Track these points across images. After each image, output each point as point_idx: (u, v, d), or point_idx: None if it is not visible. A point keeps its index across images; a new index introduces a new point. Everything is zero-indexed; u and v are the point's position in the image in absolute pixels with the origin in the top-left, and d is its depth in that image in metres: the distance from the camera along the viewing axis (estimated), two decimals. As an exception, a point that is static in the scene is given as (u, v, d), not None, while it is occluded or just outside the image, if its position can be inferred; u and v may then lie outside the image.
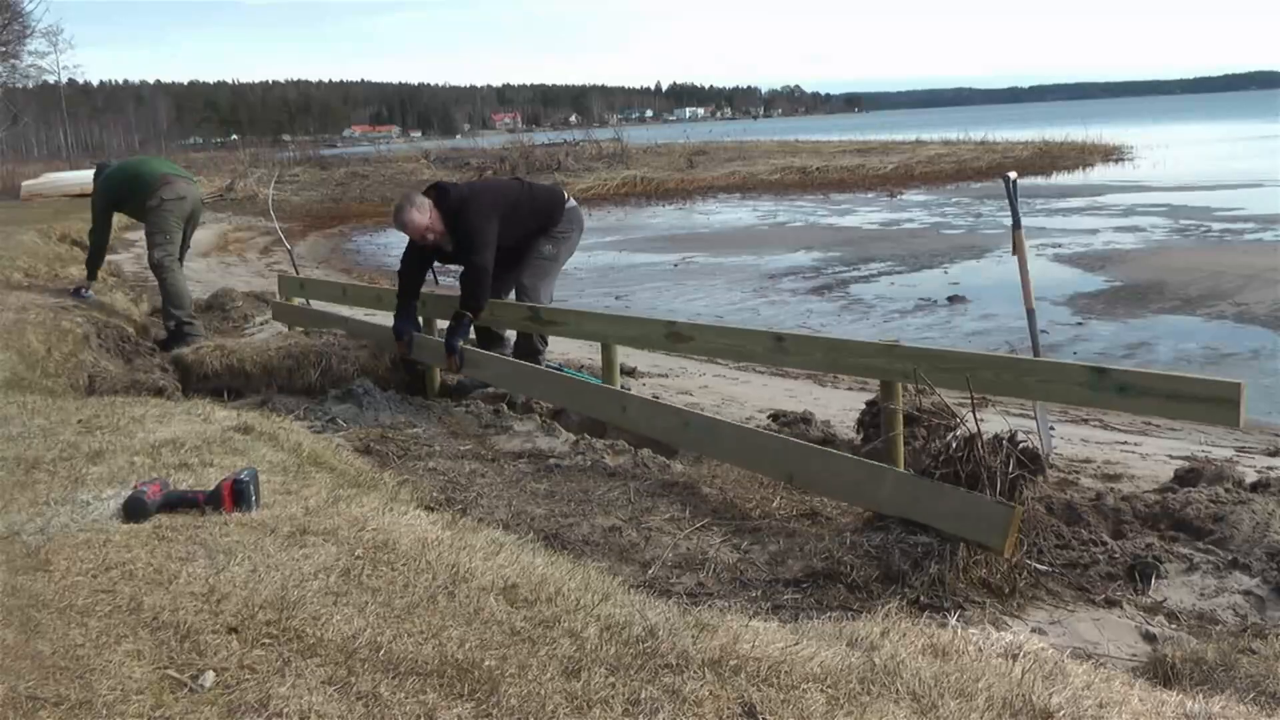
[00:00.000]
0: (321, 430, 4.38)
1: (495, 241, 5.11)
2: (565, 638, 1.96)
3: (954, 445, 2.96)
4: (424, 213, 5.09)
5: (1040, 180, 22.79)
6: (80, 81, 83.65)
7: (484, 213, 5.12)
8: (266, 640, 1.90)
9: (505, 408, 4.96)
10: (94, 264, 7.08)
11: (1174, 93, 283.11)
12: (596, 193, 24.34)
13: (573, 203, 5.59)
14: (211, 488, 2.64)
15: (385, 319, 6.40)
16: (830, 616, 2.44)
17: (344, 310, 6.74)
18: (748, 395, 5.72)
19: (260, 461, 3.13)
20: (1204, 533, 3.12)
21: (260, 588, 2.12)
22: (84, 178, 23.05)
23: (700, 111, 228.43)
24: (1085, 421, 5.23)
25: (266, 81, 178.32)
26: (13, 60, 29.99)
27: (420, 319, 5.60)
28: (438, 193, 5.20)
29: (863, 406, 4.36)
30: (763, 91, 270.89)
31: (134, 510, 2.52)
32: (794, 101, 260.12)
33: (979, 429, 2.90)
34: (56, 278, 8.37)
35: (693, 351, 5.37)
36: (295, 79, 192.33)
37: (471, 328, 5.29)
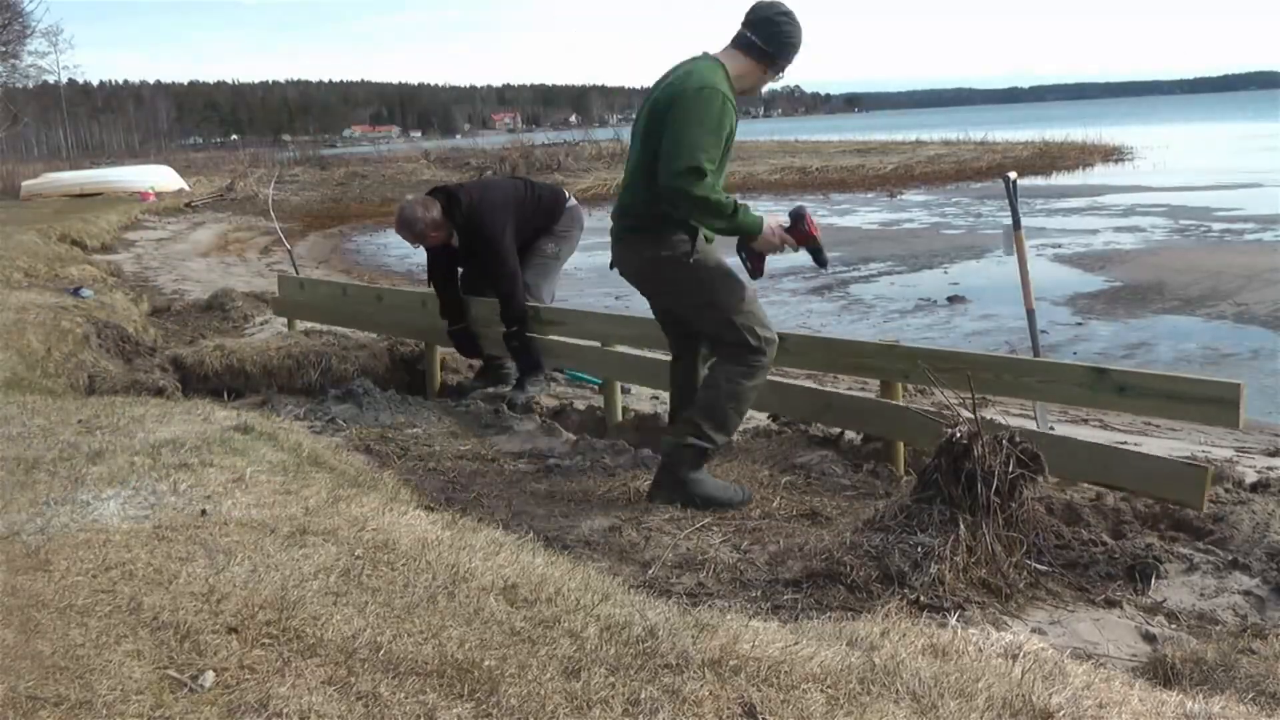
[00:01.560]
0: (321, 430, 4.38)
1: (514, 244, 5.12)
2: (565, 638, 1.96)
3: (954, 445, 2.96)
4: (430, 211, 5.04)
5: (1040, 180, 22.80)
6: (80, 81, 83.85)
7: (498, 218, 5.10)
8: (266, 640, 1.90)
9: (505, 408, 4.96)
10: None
11: (1174, 93, 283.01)
12: (596, 193, 24.30)
13: (573, 202, 5.59)
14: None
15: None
16: (830, 616, 2.44)
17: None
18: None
19: (260, 461, 3.13)
20: (1204, 533, 3.12)
21: (260, 588, 2.12)
22: (84, 178, 23.09)
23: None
24: (1085, 421, 5.23)
25: (266, 81, 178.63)
26: (13, 60, 29.99)
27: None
28: (447, 198, 5.13)
29: (863, 406, 4.35)
30: (762, 91, 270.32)
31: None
32: (794, 101, 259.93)
33: (980, 428, 2.90)
34: (56, 278, 8.38)
35: (693, 351, 5.36)
36: (295, 79, 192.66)
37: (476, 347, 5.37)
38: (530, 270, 5.31)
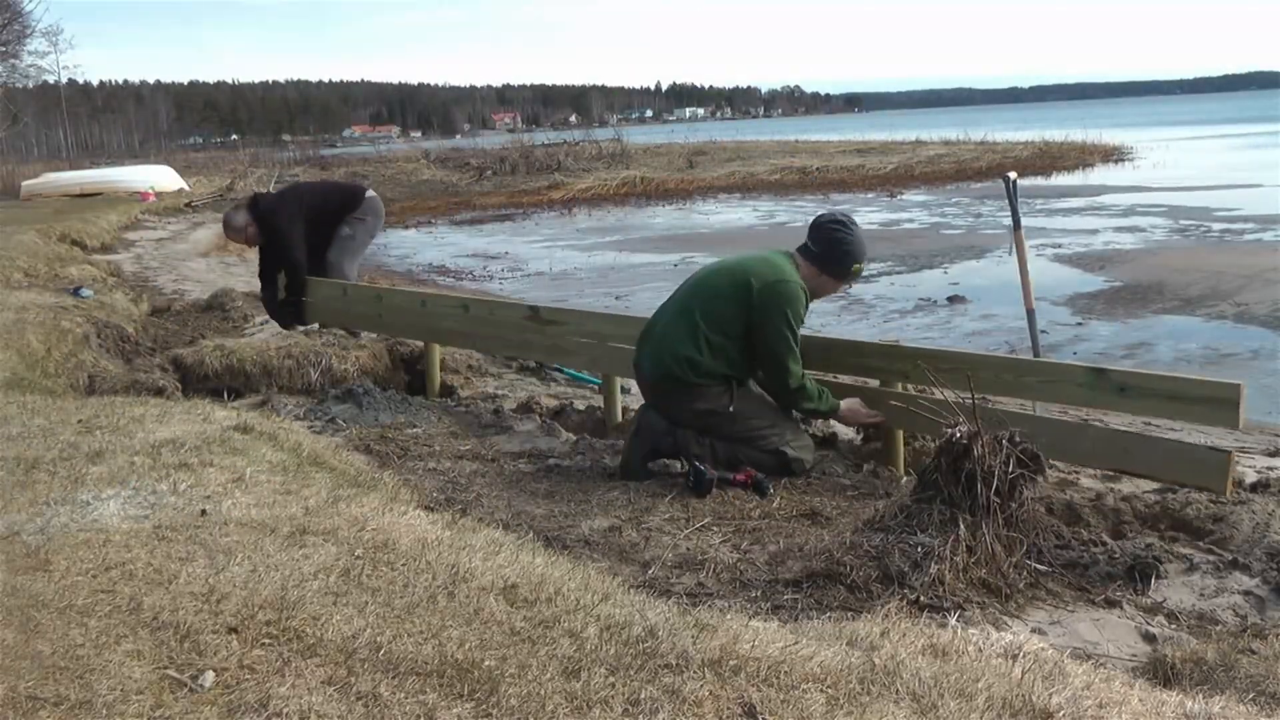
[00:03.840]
0: (321, 430, 4.37)
1: (301, 239, 6.43)
2: (565, 638, 1.96)
3: (954, 445, 2.95)
4: (239, 216, 6.52)
5: (1040, 180, 22.80)
6: (80, 81, 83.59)
7: (288, 217, 6.46)
8: (266, 640, 1.90)
9: (505, 408, 4.96)
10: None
11: (1174, 93, 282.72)
12: (596, 193, 24.35)
13: (372, 193, 6.84)
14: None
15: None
16: (830, 616, 2.44)
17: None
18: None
19: (260, 461, 3.13)
20: (1204, 533, 3.12)
21: (260, 588, 2.12)
22: (84, 178, 23.07)
23: (700, 111, 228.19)
24: (1085, 422, 5.23)
25: (266, 81, 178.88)
26: (13, 60, 30.02)
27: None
28: (250, 202, 6.59)
29: (863, 406, 4.34)
30: (763, 91, 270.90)
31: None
32: (794, 101, 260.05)
33: (979, 428, 2.90)
34: (56, 278, 8.38)
35: (693, 351, 5.35)
36: (295, 79, 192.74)
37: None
38: (332, 250, 6.56)
